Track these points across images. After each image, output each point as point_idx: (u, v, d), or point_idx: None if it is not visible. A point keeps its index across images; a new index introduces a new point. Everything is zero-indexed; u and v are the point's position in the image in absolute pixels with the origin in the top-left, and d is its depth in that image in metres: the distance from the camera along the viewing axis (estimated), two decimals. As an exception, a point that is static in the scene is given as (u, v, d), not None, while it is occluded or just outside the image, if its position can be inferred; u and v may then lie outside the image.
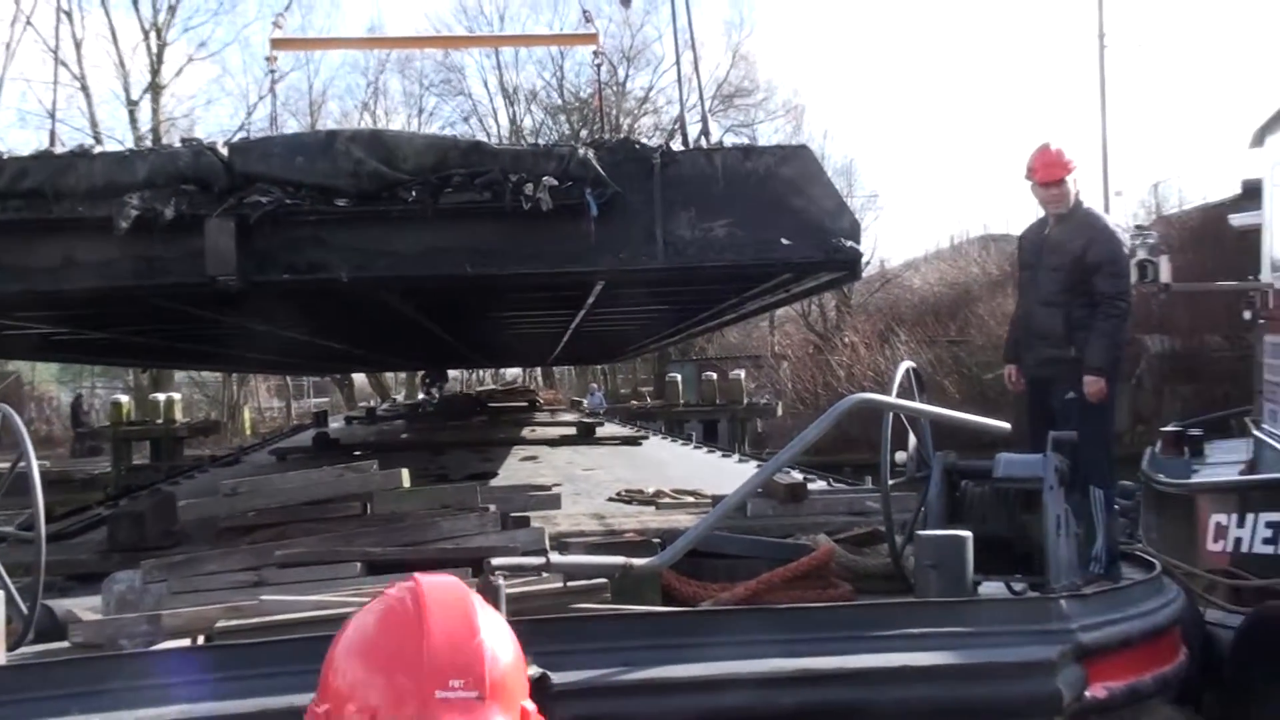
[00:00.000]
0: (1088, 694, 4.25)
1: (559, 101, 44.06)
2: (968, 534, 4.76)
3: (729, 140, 11.77)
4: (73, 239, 5.59)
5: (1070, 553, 5.12)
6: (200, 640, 4.41)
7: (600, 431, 15.19)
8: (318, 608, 4.45)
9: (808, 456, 13.83)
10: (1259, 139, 11.56)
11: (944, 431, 5.63)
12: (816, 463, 13.85)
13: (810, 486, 7.83)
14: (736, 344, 40.93)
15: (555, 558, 4.49)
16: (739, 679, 3.93)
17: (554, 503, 7.40)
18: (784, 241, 5.74)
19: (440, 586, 1.83)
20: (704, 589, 5.01)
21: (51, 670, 3.98)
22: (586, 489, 9.34)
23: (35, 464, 4.63)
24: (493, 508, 5.90)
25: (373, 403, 32.08)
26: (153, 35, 38.78)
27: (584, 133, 36.14)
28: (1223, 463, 11.54)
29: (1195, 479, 10.44)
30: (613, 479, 9.96)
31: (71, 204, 5.52)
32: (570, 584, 4.58)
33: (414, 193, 5.60)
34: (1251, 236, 12.09)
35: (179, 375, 37.07)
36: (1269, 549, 7.56)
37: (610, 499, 8.65)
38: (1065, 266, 6.32)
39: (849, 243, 5.79)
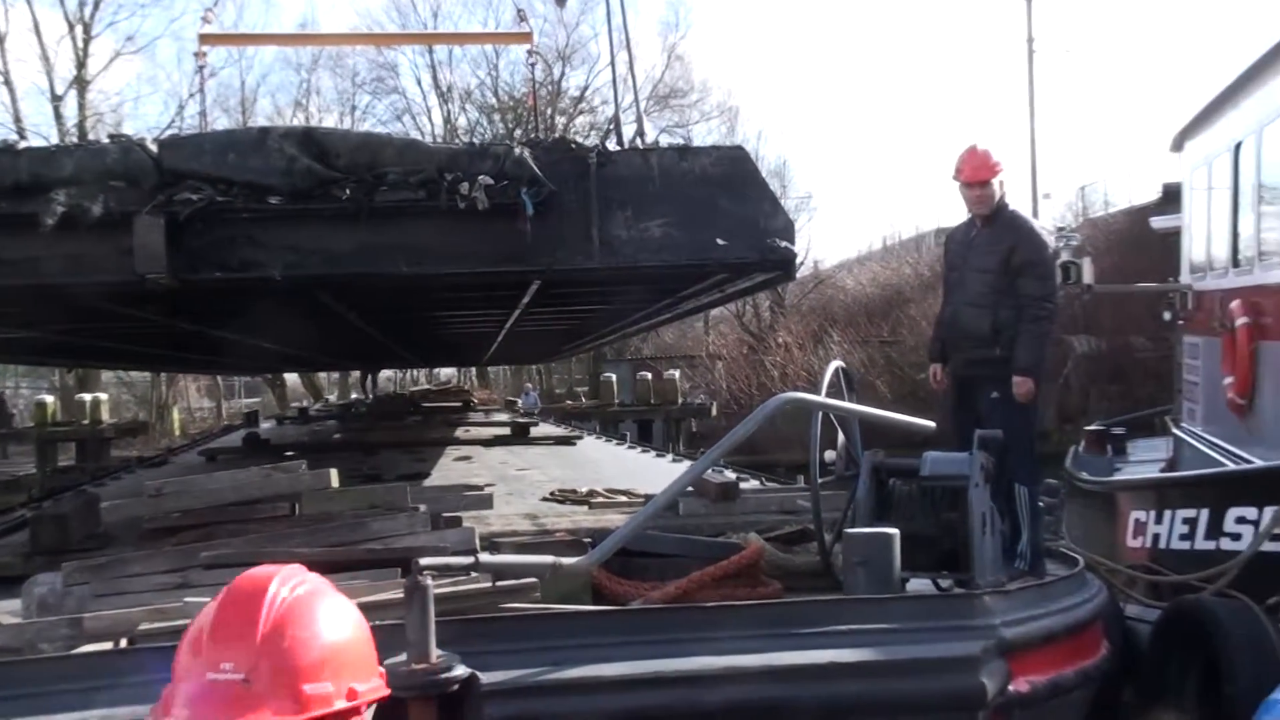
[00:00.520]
0: (1011, 688, 4.32)
1: (493, 100, 43.88)
2: (895, 531, 4.83)
3: (664, 141, 11.80)
4: (-3, 236, 5.46)
5: (995, 550, 5.20)
6: (123, 644, 4.34)
7: (535, 431, 15.20)
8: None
9: (741, 456, 13.97)
10: (1178, 144, 11.83)
11: (874, 430, 5.70)
12: (750, 462, 13.98)
13: (743, 486, 7.89)
14: (672, 344, 41.09)
15: (484, 557, 4.47)
16: (667, 677, 3.95)
17: (486, 503, 7.38)
18: (719, 241, 5.78)
19: (252, 578, 2.05)
20: (634, 588, 5.03)
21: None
22: (520, 489, 9.34)
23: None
24: (423, 508, 5.88)
25: (305, 403, 31.74)
26: (79, 29, 38.05)
27: (518, 132, 35.98)
28: (1144, 461, 11.83)
29: (1116, 477, 10.68)
30: (546, 479, 9.97)
31: (-4, 201, 5.39)
32: (499, 583, 4.58)
33: (348, 191, 5.55)
34: (1172, 239, 12.37)
35: (106, 375, 36.42)
36: (1185, 545, 7.72)
37: (543, 499, 8.65)
38: (992, 268, 6.41)
39: (783, 243, 5.84)
